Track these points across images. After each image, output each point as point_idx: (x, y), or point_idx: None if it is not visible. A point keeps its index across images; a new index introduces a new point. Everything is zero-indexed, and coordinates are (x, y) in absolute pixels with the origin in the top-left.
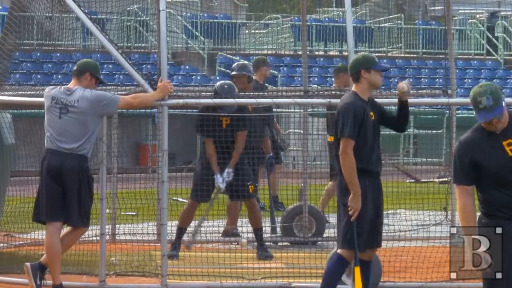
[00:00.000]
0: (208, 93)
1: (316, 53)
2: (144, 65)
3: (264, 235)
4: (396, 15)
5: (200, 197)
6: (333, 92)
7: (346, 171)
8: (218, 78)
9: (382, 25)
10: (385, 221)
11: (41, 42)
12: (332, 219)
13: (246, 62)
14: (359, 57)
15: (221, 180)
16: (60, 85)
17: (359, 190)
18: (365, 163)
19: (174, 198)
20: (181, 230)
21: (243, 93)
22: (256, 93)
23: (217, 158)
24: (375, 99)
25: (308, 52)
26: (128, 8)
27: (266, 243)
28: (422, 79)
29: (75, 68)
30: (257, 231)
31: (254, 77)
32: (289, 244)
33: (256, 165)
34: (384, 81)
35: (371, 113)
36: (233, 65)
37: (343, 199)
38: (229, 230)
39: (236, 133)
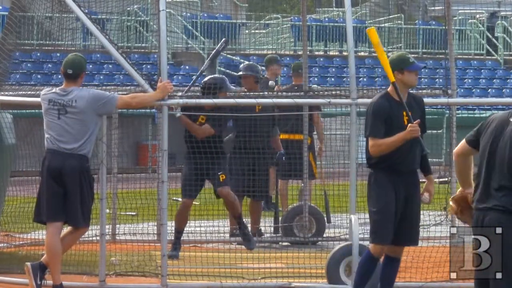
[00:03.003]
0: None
1: (316, 53)
2: (144, 65)
3: (266, 235)
4: (396, 15)
5: (193, 194)
6: (333, 92)
7: (387, 149)
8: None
9: (382, 25)
10: None
11: (41, 42)
12: (333, 219)
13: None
14: (394, 57)
15: None
16: (54, 87)
17: (402, 136)
18: (391, 162)
19: (174, 198)
20: (179, 231)
21: (243, 93)
22: (255, 93)
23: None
24: (421, 100)
25: (308, 52)
26: (128, 8)
27: (267, 243)
28: (422, 79)
29: (69, 72)
30: (236, 219)
31: (266, 75)
32: (289, 244)
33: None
34: (387, 81)
35: (405, 113)
36: (240, 65)
37: (369, 194)
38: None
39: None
